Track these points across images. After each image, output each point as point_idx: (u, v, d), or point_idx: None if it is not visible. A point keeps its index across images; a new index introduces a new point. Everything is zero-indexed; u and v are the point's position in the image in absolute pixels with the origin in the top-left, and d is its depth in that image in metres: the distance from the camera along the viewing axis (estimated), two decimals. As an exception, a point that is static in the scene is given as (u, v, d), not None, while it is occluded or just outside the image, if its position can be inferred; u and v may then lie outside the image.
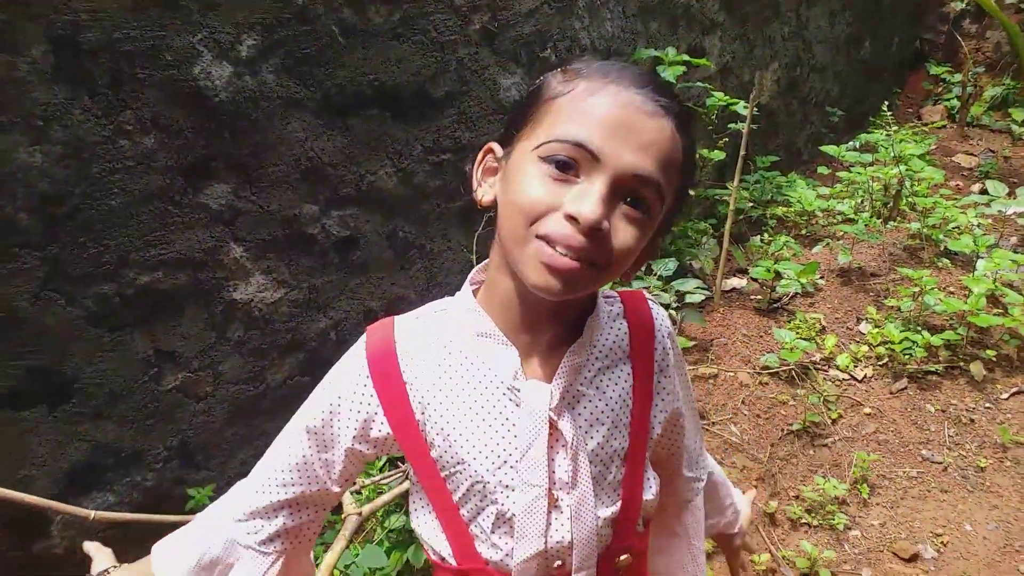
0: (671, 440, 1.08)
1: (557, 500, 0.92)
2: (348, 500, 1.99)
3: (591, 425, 0.94)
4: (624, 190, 0.82)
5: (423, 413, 0.93)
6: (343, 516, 1.97)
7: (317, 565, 1.97)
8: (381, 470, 2.42)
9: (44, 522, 2.03)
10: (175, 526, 2.15)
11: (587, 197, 0.80)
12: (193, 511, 2.09)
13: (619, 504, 0.96)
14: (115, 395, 2.07)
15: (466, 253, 2.78)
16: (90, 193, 1.91)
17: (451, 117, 2.66)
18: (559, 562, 0.93)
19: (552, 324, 0.93)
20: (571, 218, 0.79)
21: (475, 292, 0.98)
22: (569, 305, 0.92)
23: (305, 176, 2.30)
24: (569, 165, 0.81)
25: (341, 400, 0.96)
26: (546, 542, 0.91)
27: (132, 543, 2.14)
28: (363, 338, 0.98)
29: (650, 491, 1.00)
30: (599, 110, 0.81)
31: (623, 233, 0.83)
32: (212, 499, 2.21)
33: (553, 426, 0.91)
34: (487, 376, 0.92)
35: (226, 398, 2.28)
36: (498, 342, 0.92)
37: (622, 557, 0.97)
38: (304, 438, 0.99)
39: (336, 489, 0.99)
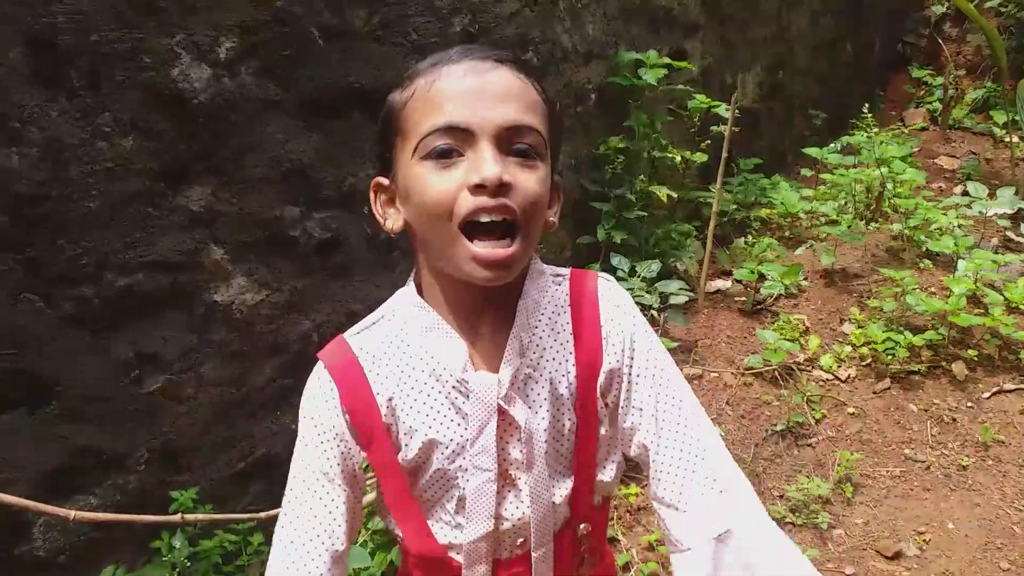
0: (625, 410, 0.99)
1: (515, 480, 0.95)
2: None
3: (541, 406, 0.96)
4: (506, 145, 0.86)
5: (390, 412, 0.96)
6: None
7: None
8: (366, 471, 2.42)
9: (25, 524, 2.01)
10: (156, 527, 2.14)
11: (480, 163, 0.83)
12: (175, 512, 2.08)
13: (571, 479, 0.98)
14: (96, 398, 2.06)
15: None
16: (68, 195, 1.90)
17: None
18: (521, 539, 0.97)
19: (492, 305, 0.95)
20: (477, 187, 0.83)
21: (418, 287, 1.00)
22: (508, 287, 0.94)
23: (285, 178, 2.30)
24: (449, 151, 0.85)
25: (332, 429, 0.96)
26: (499, 522, 0.95)
27: (116, 544, 2.13)
28: (319, 366, 0.99)
29: (607, 472, 1.01)
30: (446, 91, 0.85)
31: (525, 181, 0.86)
32: (195, 501, 2.22)
33: (504, 413, 0.93)
34: (437, 370, 0.95)
35: (208, 401, 2.27)
36: (445, 335, 0.95)
37: (582, 526, 1.00)
38: (325, 479, 0.97)
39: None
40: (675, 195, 3.60)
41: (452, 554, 0.97)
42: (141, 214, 2.03)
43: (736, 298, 3.82)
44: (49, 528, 2.02)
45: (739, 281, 3.80)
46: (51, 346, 1.95)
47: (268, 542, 2.29)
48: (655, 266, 3.29)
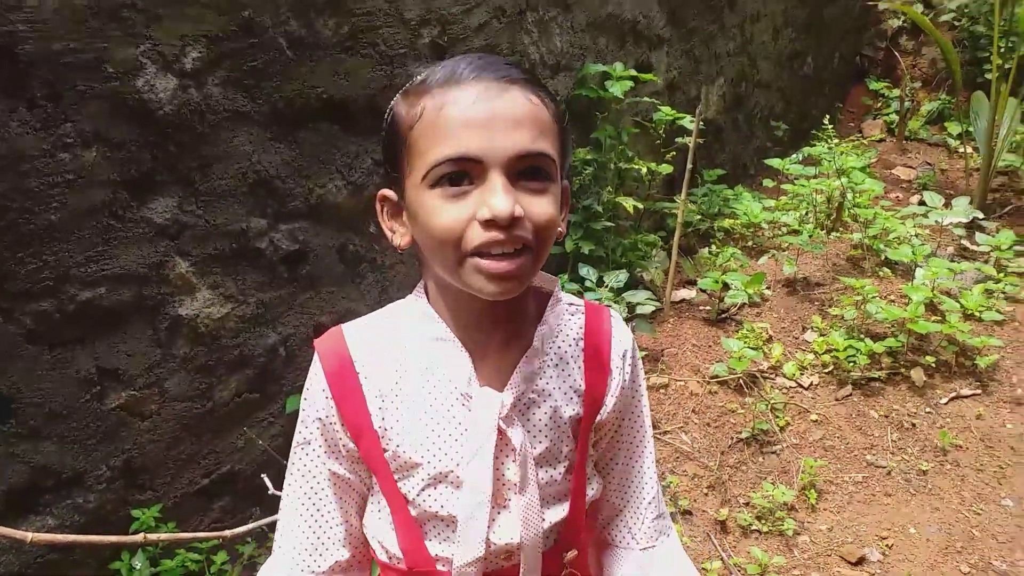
0: (608, 465, 1.09)
1: (506, 502, 0.95)
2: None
3: (540, 431, 0.97)
4: (516, 172, 0.84)
5: (383, 419, 0.95)
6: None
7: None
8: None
9: (-20, 548, 1.96)
10: (116, 548, 2.09)
11: (491, 196, 0.82)
12: (137, 532, 2.04)
13: (567, 507, 0.99)
14: (56, 415, 2.01)
15: (417, 266, 2.77)
16: (28, 207, 1.86)
17: (401, 130, 2.65)
18: (507, 554, 0.96)
19: (502, 322, 0.96)
20: (488, 223, 0.82)
21: (427, 296, 0.99)
22: (517, 302, 0.94)
23: (252, 190, 2.27)
24: (459, 177, 0.84)
25: (321, 415, 0.98)
26: (489, 545, 0.94)
27: (75, 565, 2.08)
28: (315, 355, 0.99)
29: (592, 488, 1.04)
30: (456, 118, 0.83)
31: (537, 207, 0.86)
32: (157, 520, 2.18)
33: (502, 434, 0.93)
34: (441, 381, 0.95)
35: (172, 416, 2.23)
36: (454, 348, 0.94)
37: (569, 553, 1.01)
38: (325, 469, 1.00)
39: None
40: (641, 206, 3.63)
41: (440, 566, 0.96)
42: (104, 226, 2.00)
43: (701, 307, 3.86)
44: (4, 551, 1.97)
45: (703, 290, 3.84)
46: (10, 362, 1.90)
47: (232, 561, 2.27)
48: (622, 276, 3.31)
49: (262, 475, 2.08)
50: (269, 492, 1.95)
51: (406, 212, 0.92)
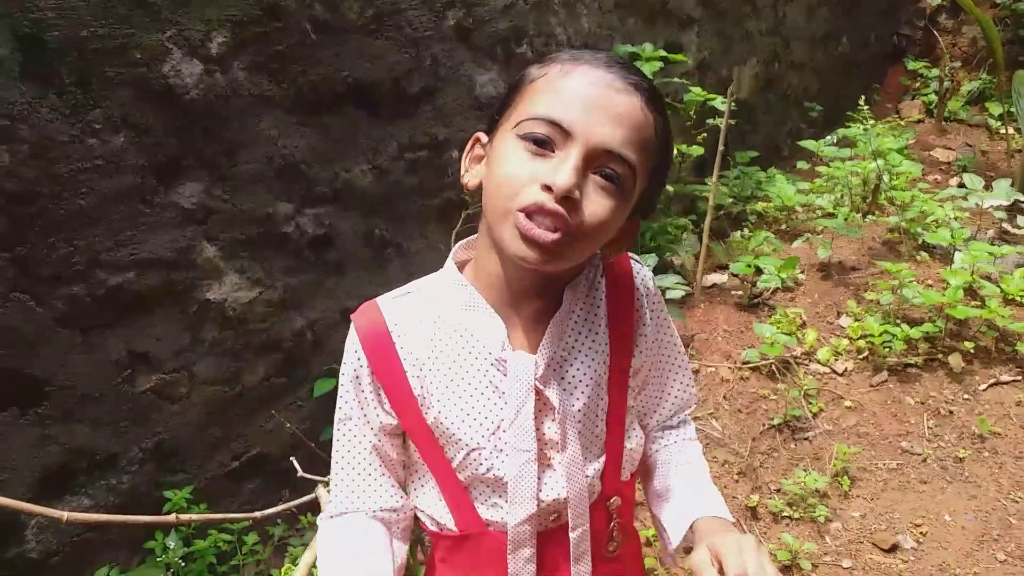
0: (648, 396, 1.13)
1: (550, 460, 0.98)
2: (326, 498, 1.97)
3: (576, 387, 0.99)
4: (596, 163, 0.86)
5: (421, 387, 0.98)
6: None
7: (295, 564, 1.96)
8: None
9: (18, 526, 2.00)
10: (150, 527, 2.13)
11: (561, 167, 0.84)
12: (169, 512, 2.07)
13: (603, 458, 1.02)
14: (88, 397, 2.04)
15: (444, 251, 2.76)
16: (59, 193, 1.89)
17: (427, 114, 2.65)
18: (555, 515, 0.99)
19: (536, 298, 0.98)
20: (546, 188, 0.84)
21: (459, 268, 1.02)
22: (553, 279, 0.97)
23: (279, 174, 2.28)
24: (545, 141, 0.86)
25: (360, 389, 1.00)
26: (539, 502, 0.96)
27: (109, 546, 2.12)
28: (351, 329, 1.01)
29: (632, 440, 1.06)
30: (571, 89, 0.86)
31: (595, 203, 0.87)
32: (189, 501, 2.21)
33: (540, 394, 0.96)
34: (476, 347, 0.97)
35: (201, 399, 2.25)
36: (486, 314, 0.97)
37: (612, 499, 1.04)
38: (365, 429, 1.03)
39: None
40: (671, 189, 3.59)
41: (491, 530, 0.99)
42: (132, 211, 2.02)
43: (733, 292, 3.81)
44: (42, 530, 2.01)
45: (735, 275, 3.78)
46: (42, 346, 1.93)
47: (263, 541, 2.29)
48: (652, 260, 3.27)
49: (290, 458, 2.09)
50: (298, 475, 1.97)
51: (487, 158, 0.94)
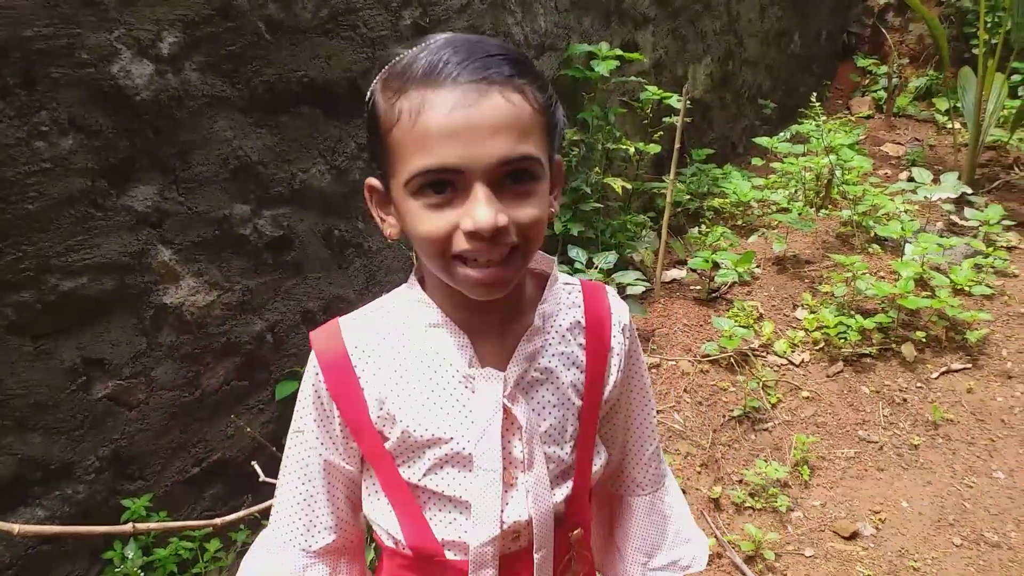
0: (613, 431, 1.11)
1: (514, 480, 0.96)
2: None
3: (544, 408, 0.98)
4: (501, 175, 0.83)
5: (381, 410, 0.95)
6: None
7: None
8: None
9: (-32, 541, 1.94)
10: (108, 537, 2.08)
11: (473, 207, 0.81)
12: (127, 522, 2.03)
13: (571, 483, 1.00)
14: (41, 406, 1.99)
15: (406, 250, 2.76)
16: (5, 197, 1.84)
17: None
18: (516, 534, 0.97)
19: (499, 306, 0.95)
20: (471, 234, 0.81)
21: (422, 282, 0.99)
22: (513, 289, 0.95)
23: (234, 175, 2.25)
24: (442, 185, 0.82)
25: (317, 409, 0.99)
26: (502, 523, 0.94)
27: (66, 558, 2.07)
28: (312, 354, 1.00)
29: (597, 462, 1.05)
30: (433, 129, 0.80)
31: (523, 211, 0.84)
32: (148, 509, 2.17)
33: (507, 412, 0.94)
34: (442, 365, 0.95)
35: (160, 405, 2.21)
36: (451, 332, 0.95)
37: (575, 531, 1.02)
38: (318, 458, 1.01)
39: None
40: (630, 186, 3.62)
41: (450, 554, 0.97)
42: (83, 215, 1.97)
43: (691, 287, 3.85)
44: (-5, 542, 1.96)
45: (694, 270, 3.83)
46: (-8, 354, 1.88)
47: (225, 548, 2.26)
48: (612, 257, 3.30)
49: (252, 463, 2.07)
50: (260, 479, 1.94)
51: (394, 207, 0.90)
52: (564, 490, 0.99)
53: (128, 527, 1.73)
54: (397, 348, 0.96)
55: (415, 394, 0.95)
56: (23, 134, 1.84)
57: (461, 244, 0.83)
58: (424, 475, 0.95)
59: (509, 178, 0.83)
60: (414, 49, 0.85)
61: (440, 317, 0.95)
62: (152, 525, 1.87)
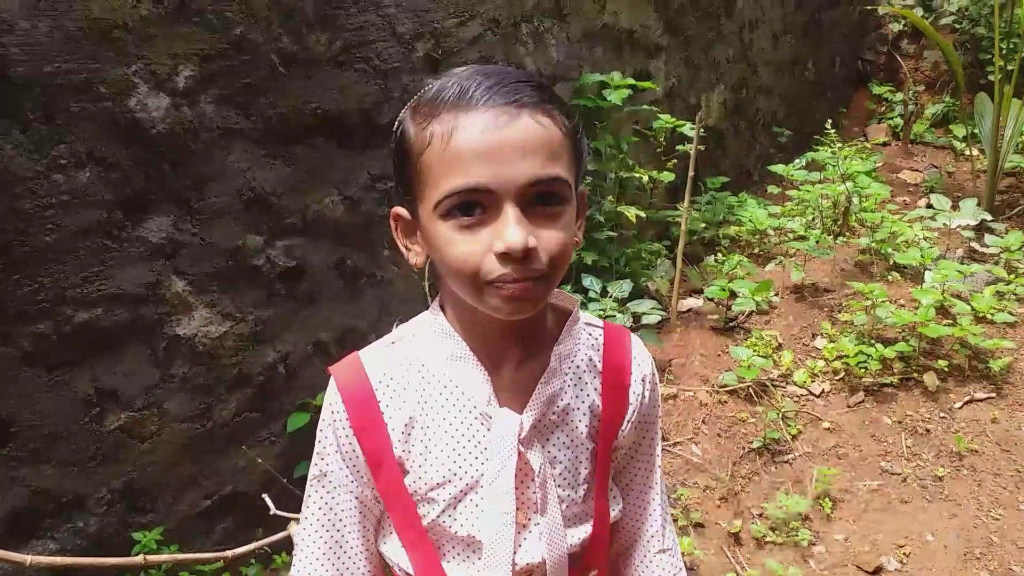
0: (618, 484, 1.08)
1: (528, 522, 0.95)
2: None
3: (559, 451, 0.97)
4: (530, 197, 0.83)
5: (404, 443, 0.94)
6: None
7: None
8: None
9: (-21, 574, 1.94)
10: (118, 569, 2.07)
11: (504, 229, 0.81)
12: (138, 554, 2.01)
13: (590, 524, 0.99)
14: (55, 437, 1.99)
15: (418, 280, 2.75)
16: (23, 229, 1.86)
17: (398, 144, 2.64)
18: (530, 575, 0.95)
19: (520, 339, 0.95)
20: (502, 255, 0.81)
21: (443, 311, 0.98)
22: (534, 317, 0.93)
23: (248, 207, 2.26)
24: (471, 207, 0.83)
25: (340, 447, 0.96)
26: (515, 565, 0.93)
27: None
28: (331, 383, 0.97)
29: (614, 509, 1.03)
30: (465, 150, 0.82)
31: (552, 235, 0.85)
32: (159, 542, 2.15)
33: (521, 455, 0.93)
34: (460, 400, 0.94)
35: (172, 437, 2.21)
36: (472, 366, 0.94)
37: (591, 574, 1.00)
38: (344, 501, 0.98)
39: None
40: (644, 215, 3.60)
41: None
42: (99, 247, 1.99)
43: (708, 316, 3.82)
44: (5, 574, 1.95)
45: (710, 299, 3.79)
46: (7, 385, 1.89)
47: (237, 582, 2.23)
48: (626, 286, 3.27)
49: (264, 495, 2.05)
50: (271, 512, 1.93)
51: (420, 234, 0.91)
52: (580, 532, 0.98)
53: (139, 559, 1.72)
54: (419, 379, 0.95)
55: (433, 426, 0.94)
56: (42, 167, 1.86)
57: (494, 271, 0.83)
58: (439, 514, 0.94)
59: (538, 201, 0.84)
60: (443, 78, 0.87)
61: (462, 349, 0.94)
62: (163, 557, 1.86)
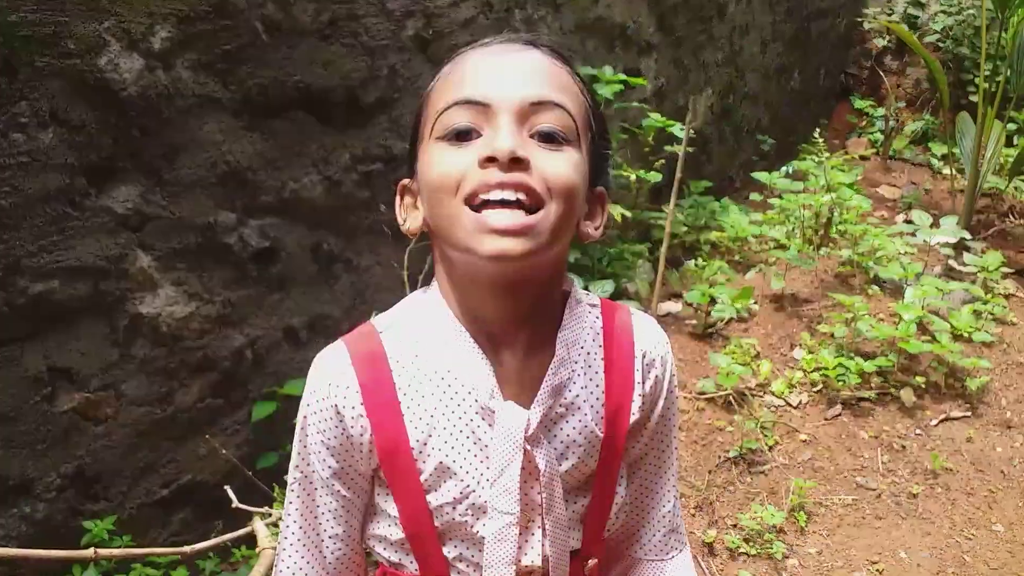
0: (634, 468, 1.01)
1: (531, 524, 0.88)
2: (264, 533, 1.84)
3: (567, 446, 0.89)
4: (529, 122, 0.78)
5: (417, 431, 0.86)
6: (258, 550, 1.82)
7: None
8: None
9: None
10: (66, 562, 1.95)
11: (496, 135, 0.76)
12: (88, 546, 1.89)
13: (585, 515, 0.94)
14: (2, 417, 1.87)
15: (397, 269, 2.65)
16: (-24, 191, 1.73)
17: (382, 125, 2.54)
18: (531, 572, 0.89)
19: (522, 328, 0.87)
20: (488, 160, 0.75)
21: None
22: (534, 296, 0.85)
23: (222, 181, 2.15)
24: (466, 131, 0.78)
25: (342, 418, 0.88)
26: (518, 565, 0.87)
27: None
28: (335, 356, 0.88)
29: (617, 499, 0.96)
30: (468, 69, 0.81)
31: (550, 162, 0.78)
32: (111, 532, 2.03)
33: (527, 454, 0.85)
34: (459, 391, 0.86)
35: (129, 421, 2.09)
36: (471, 352, 0.85)
37: (590, 562, 0.96)
38: (329, 487, 0.91)
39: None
40: (629, 215, 3.54)
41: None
42: (59, 214, 1.87)
43: (687, 321, 3.76)
44: (-60, 563, 1.82)
45: (690, 304, 3.74)
46: (-50, 358, 1.76)
47: (192, 578, 2.12)
48: (608, 286, 3.21)
49: (225, 487, 1.95)
50: (233, 505, 1.85)
51: (417, 184, 0.86)
52: (580, 526, 0.94)
53: (89, 552, 1.61)
54: (419, 362, 0.88)
55: (432, 415, 0.87)
56: (0, 125, 1.73)
57: (472, 180, 0.76)
58: (438, 508, 0.88)
59: (537, 132, 0.78)
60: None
61: (460, 330, 0.86)
62: (115, 552, 1.75)
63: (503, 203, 0.75)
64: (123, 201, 1.97)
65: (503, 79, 0.79)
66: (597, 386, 0.92)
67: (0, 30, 1.70)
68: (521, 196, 0.75)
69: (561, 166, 0.78)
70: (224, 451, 2.26)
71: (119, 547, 1.99)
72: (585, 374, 0.91)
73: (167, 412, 2.17)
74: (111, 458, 2.08)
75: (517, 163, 0.75)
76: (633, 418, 0.94)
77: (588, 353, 0.92)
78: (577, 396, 0.90)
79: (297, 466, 0.91)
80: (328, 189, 2.43)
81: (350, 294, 2.57)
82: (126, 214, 1.98)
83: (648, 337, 0.96)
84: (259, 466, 2.30)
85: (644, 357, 0.95)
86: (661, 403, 0.97)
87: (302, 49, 2.27)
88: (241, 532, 1.80)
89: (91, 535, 1.99)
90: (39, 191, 1.82)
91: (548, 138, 0.78)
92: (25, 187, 1.80)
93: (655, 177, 3.70)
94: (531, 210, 0.76)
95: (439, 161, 0.79)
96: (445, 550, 0.89)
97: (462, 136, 0.78)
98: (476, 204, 0.76)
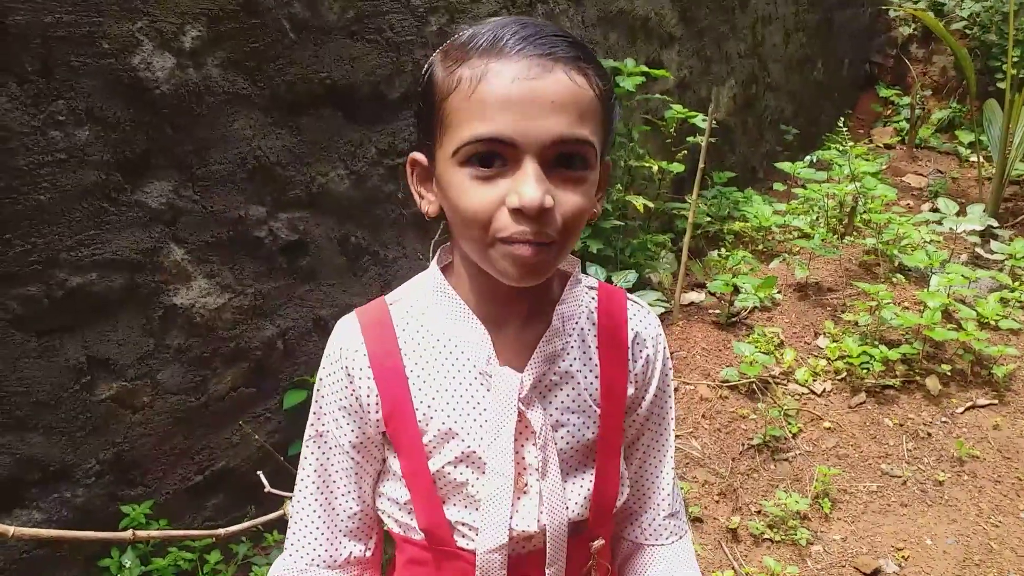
0: (631, 450, 1.05)
1: (527, 486, 0.92)
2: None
3: (562, 413, 0.93)
4: (553, 156, 0.79)
5: (421, 395, 0.92)
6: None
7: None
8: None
9: (-40, 543, 1.87)
10: (105, 544, 2.01)
11: (522, 184, 0.78)
12: (126, 528, 1.95)
13: (591, 490, 0.95)
14: (42, 405, 1.92)
15: (422, 260, 2.69)
16: (16, 187, 1.78)
17: (407, 119, 2.58)
18: (528, 540, 0.92)
19: (522, 299, 0.92)
20: (516, 212, 0.78)
21: (444, 270, 0.96)
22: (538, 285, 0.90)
23: (252, 176, 2.19)
24: (491, 158, 0.79)
25: (352, 380, 0.93)
26: (512, 529, 0.90)
27: (61, 563, 2.00)
28: (348, 323, 0.95)
29: (623, 483, 1.00)
30: (492, 97, 0.78)
31: (570, 199, 0.81)
32: (148, 517, 2.09)
33: (522, 415, 0.90)
34: (459, 359, 0.92)
35: (164, 409, 2.14)
36: (471, 325, 0.91)
37: (596, 542, 0.96)
38: (342, 453, 0.96)
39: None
40: (651, 205, 3.55)
41: (462, 541, 0.93)
42: (96, 209, 1.92)
43: (710, 311, 3.77)
44: (-12, 545, 1.88)
45: (713, 293, 3.75)
46: (-6, 348, 1.82)
47: (226, 560, 2.18)
48: (632, 276, 3.22)
49: (258, 472, 1.99)
50: (265, 490, 1.87)
51: (436, 181, 0.87)
52: (583, 500, 0.95)
53: (127, 534, 1.65)
54: (424, 333, 0.94)
55: (436, 382, 0.92)
56: (38, 122, 1.79)
57: (505, 227, 0.79)
58: (438, 471, 0.92)
59: (560, 161, 0.80)
60: (477, 25, 0.83)
61: (462, 307, 0.92)
62: (153, 533, 1.80)
63: (526, 240, 0.80)
64: (157, 196, 2.02)
65: (528, 114, 0.77)
66: (591, 359, 0.96)
67: (38, 31, 1.76)
68: (541, 241, 0.80)
69: (577, 201, 0.81)
70: (257, 437, 2.31)
71: (156, 530, 2.04)
72: (579, 347, 0.95)
73: (201, 400, 2.22)
74: (147, 445, 2.13)
75: (542, 213, 0.78)
76: (629, 391, 0.98)
77: (583, 329, 0.96)
78: (571, 366, 0.94)
79: (312, 424, 0.97)
80: (355, 183, 2.47)
81: (377, 285, 2.61)
82: (160, 208, 2.03)
83: (640, 319, 1.01)
84: (291, 452, 2.35)
85: (635, 337, 0.99)
86: (654, 384, 1.01)
87: (328, 46, 2.30)
88: (273, 516, 1.84)
89: (129, 519, 2.04)
90: (76, 187, 1.87)
91: (570, 167, 0.81)
92: (63, 183, 1.85)
93: (678, 168, 3.71)
94: (549, 241, 0.81)
95: (468, 197, 0.81)
96: (447, 513, 0.92)
97: (485, 164, 0.80)
98: (502, 237, 0.80)
